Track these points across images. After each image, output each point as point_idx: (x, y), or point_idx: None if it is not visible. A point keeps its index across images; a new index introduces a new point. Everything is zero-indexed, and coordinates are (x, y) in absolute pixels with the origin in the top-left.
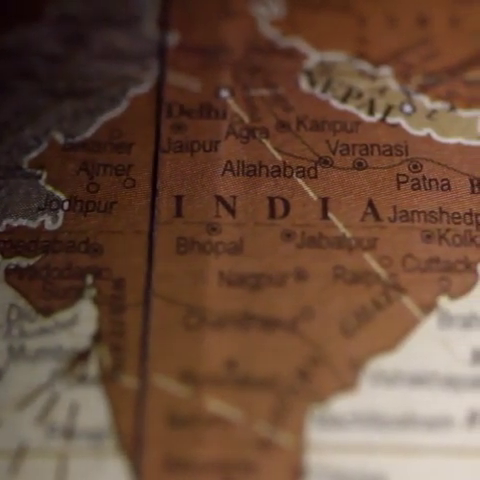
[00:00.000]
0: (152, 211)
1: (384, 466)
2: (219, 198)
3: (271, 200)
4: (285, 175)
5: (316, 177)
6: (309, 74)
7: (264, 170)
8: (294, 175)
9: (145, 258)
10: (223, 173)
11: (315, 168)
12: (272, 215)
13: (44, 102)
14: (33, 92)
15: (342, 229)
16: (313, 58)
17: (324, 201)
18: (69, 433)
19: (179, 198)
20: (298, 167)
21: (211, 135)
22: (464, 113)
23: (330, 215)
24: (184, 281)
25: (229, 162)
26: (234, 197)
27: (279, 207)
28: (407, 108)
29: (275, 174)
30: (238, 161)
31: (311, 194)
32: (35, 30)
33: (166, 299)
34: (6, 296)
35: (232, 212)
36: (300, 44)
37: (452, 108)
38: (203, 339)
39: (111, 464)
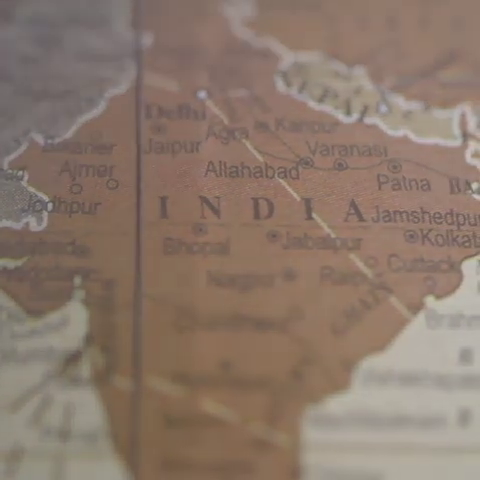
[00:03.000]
0: (137, 212)
1: (379, 465)
2: (203, 199)
3: (255, 201)
4: (267, 176)
5: (298, 178)
6: (284, 75)
7: (246, 171)
8: (276, 176)
9: (133, 259)
10: (206, 174)
11: (296, 169)
12: (257, 216)
13: (21, 103)
14: (9, 93)
15: (327, 229)
16: (287, 59)
17: (307, 202)
18: (64, 435)
19: (163, 199)
20: (280, 168)
21: (191, 136)
22: (439, 113)
23: (314, 216)
24: (173, 282)
25: (211, 163)
26: (218, 198)
27: (263, 208)
28: (383, 108)
29: (257, 175)
30: (220, 162)
31: (294, 195)
32: (7, 31)
33: (156, 300)
34: None
35: (217, 213)
36: (274, 45)
37: (427, 108)
38: (195, 340)
39: (107, 465)
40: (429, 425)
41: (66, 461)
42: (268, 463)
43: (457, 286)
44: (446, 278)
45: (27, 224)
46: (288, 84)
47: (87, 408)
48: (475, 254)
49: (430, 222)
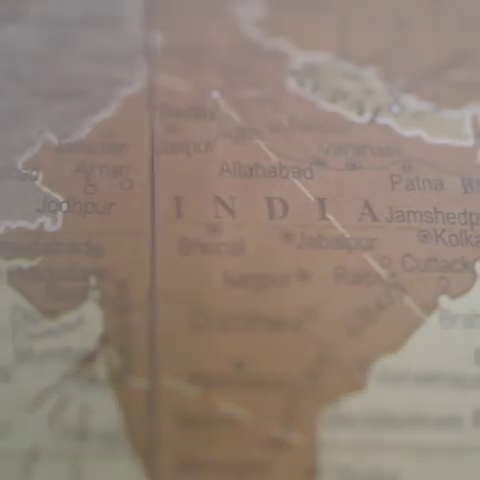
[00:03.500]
0: (152, 212)
1: (394, 464)
2: (218, 199)
3: (269, 201)
4: (281, 176)
5: (312, 178)
6: (296, 75)
7: (261, 171)
8: (290, 176)
9: (148, 259)
10: (220, 174)
11: (310, 169)
12: (271, 216)
13: (33, 103)
14: (22, 93)
15: (341, 229)
16: (298, 59)
17: (321, 202)
18: (81, 435)
19: (178, 199)
20: (293, 168)
21: (204, 136)
22: (450, 113)
23: (328, 215)
24: (188, 282)
25: (225, 163)
26: (233, 198)
27: (277, 208)
28: (395, 109)
29: (271, 175)
30: (234, 162)
31: (308, 195)
32: (19, 31)
33: (171, 300)
34: (10, 298)
35: (232, 213)
36: (285, 45)
37: (438, 108)
38: (210, 340)
39: (124, 465)
40: (444, 425)
41: (83, 461)
42: (284, 463)
43: (471, 286)
44: (460, 278)
45: (42, 224)
46: (300, 84)
47: (103, 408)
48: None
49: (443, 222)
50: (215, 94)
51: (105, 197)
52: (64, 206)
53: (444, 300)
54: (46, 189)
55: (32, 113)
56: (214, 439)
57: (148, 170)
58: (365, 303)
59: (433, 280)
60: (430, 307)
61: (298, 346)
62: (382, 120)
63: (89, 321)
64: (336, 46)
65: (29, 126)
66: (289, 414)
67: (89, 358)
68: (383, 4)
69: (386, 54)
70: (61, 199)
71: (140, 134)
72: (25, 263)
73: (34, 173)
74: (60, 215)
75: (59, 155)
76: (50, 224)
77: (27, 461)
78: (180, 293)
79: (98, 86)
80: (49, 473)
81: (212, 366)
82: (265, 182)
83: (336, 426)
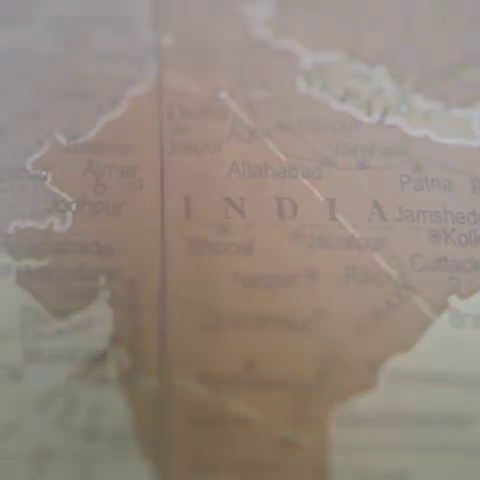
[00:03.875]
0: (162, 212)
1: (405, 464)
2: (227, 199)
3: (279, 201)
4: (290, 176)
5: (321, 178)
6: (305, 75)
7: (270, 171)
8: (299, 176)
9: (158, 259)
10: (229, 174)
11: (319, 169)
12: (281, 216)
13: (42, 104)
14: (30, 94)
15: (351, 229)
16: (307, 59)
17: (331, 202)
18: (91, 435)
19: (187, 199)
20: (303, 168)
21: (214, 136)
22: (459, 113)
23: (338, 216)
24: (198, 282)
25: (234, 163)
26: (242, 198)
27: (287, 208)
28: (404, 108)
29: (281, 175)
30: (243, 162)
31: (317, 195)
32: (28, 31)
33: (181, 300)
34: (19, 299)
35: (241, 213)
36: (293, 45)
37: (447, 108)
38: (220, 340)
39: (135, 466)
40: (454, 425)
41: (93, 462)
42: (295, 463)
43: None
44: (469, 278)
45: (51, 224)
46: (309, 84)
47: (113, 408)
48: None
49: (453, 222)
50: (224, 94)
51: (114, 197)
52: (73, 206)
53: (454, 300)
54: (55, 189)
55: (41, 113)
56: (224, 439)
57: (157, 170)
58: (375, 303)
59: (443, 280)
60: (440, 307)
61: (308, 346)
62: (391, 120)
63: (99, 321)
64: (345, 46)
65: (38, 126)
66: (299, 414)
67: (99, 358)
68: (392, 4)
69: (395, 54)
70: (70, 199)
71: (149, 134)
72: (34, 263)
73: (43, 173)
74: (69, 215)
75: (68, 155)
76: (59, 224)
77: (36, 461)
78: (190, 293)
79: (107, 86)
80: (59, 474)
81: (222, 366)
82: (274, 182)
83: (346, 426)
